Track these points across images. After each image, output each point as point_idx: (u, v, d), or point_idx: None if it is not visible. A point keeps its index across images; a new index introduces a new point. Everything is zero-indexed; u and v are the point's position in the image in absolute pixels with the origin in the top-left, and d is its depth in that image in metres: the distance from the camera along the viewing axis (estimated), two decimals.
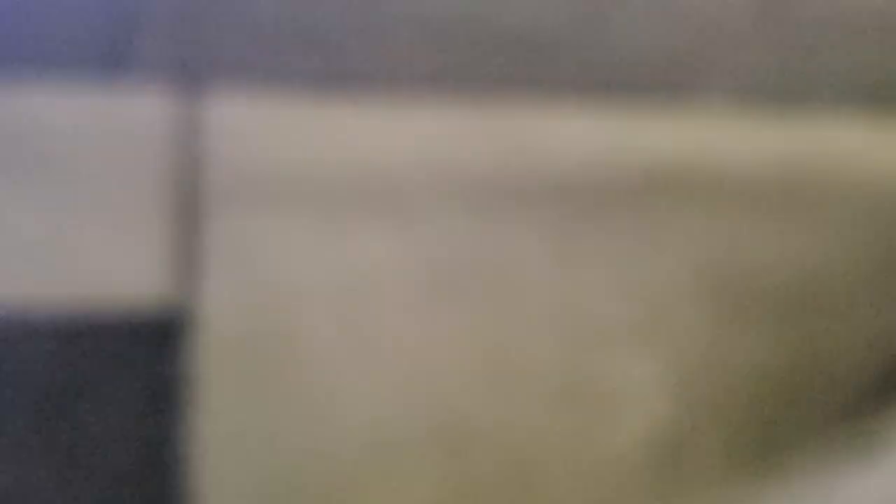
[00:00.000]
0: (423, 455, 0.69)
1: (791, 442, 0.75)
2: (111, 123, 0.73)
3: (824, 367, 0.77)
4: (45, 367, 0.62)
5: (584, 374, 0.73)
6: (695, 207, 0.81)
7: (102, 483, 0.62)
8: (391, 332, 0.70)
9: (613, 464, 0.74)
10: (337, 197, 0.72)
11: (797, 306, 0.79)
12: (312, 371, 0.68)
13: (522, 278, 0.74)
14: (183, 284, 0.66)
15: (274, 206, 0.71)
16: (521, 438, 0.72)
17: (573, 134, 0.80)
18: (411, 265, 0.71)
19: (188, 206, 0.70)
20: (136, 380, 0.63)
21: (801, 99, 0.85)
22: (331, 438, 0.68)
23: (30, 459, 0.61)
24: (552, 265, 0.75)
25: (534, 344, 0.73)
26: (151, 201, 0.69)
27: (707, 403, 0.75)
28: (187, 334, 0.64)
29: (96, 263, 0.67)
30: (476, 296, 0.73)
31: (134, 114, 0.74)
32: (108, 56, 0.77)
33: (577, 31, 0.81)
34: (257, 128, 0.74)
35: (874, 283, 0.80)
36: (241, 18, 0.78)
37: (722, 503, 0.73)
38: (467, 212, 0.73)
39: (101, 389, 0.63)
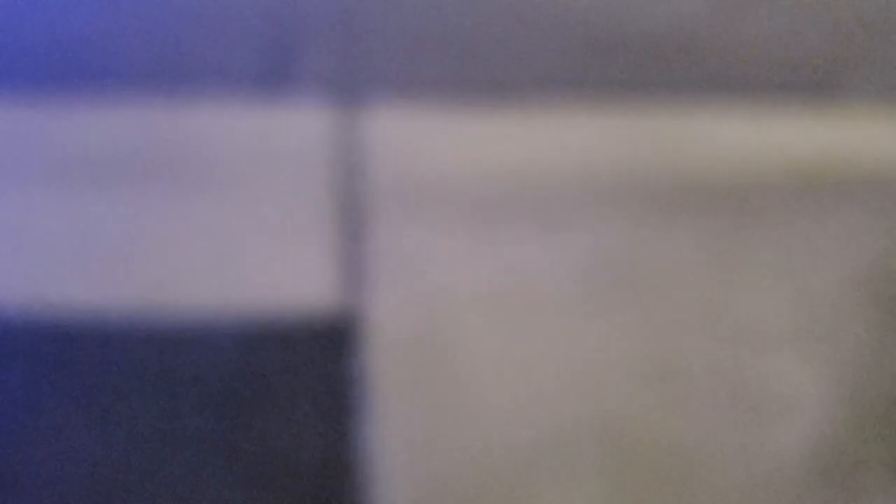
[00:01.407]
0: (585, 457, 0.69)
1: None
2: (276, 138, 0.76)
3: None
4: (225, 373, 0.65)
5: (745, 379, 0.71)
6: (853, 207, 0.79)
7: (281, 481, 0.64)
8: (549, 337, 0.70)
9: (776, 469, 0.72)
10: (493, 203, 0.74)
11: None
12: (474, 373, 0.69)
13: (678, 282, 0.73)
14: (351, 291, 0.69)
15: (433, 212, 0.72)
16: (681, 441, 0.71)
17: (724, 136, 0.79)
18: (566, 270, 0.72)
19: (352, 215, 0.73)
20: (310, 383, 0.65)
21: None
22: (493, 440, 0.69)
23: (212, 460, 0.64)
24: (708, 269, 0.74)
25: (692, 348, 0.72)
26: (318, 212, 0.72)
27: (874, 413, 0.73)
28: (357, 339, 0.66)
29: (269, 273, 0.70)
30: (632, 300, 0.73)
31: (297, 127, 0.77)
32: (270, 73, 0.81)
33: (719, 30, 0.80)
34: (415, 137, 0.76)
35: None
36: (397, 32, 0.80)
37: None
38: (620, 216, 0.73)
39: (277, 393, 0.65)
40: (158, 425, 0.63)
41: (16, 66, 0.82)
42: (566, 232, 0.74)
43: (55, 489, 0.59)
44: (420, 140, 0.75)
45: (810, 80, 0.86)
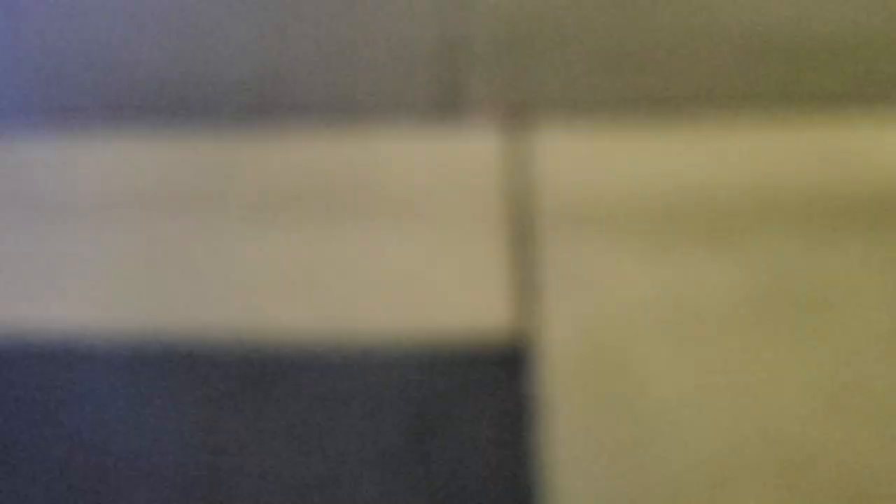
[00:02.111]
0: (763, 475, 0.69)
1: None
2: (448, 164, 0.78)
3: None
4: (409, 396, 0.68)
5: None
6: None
7: (465, 500, 0.67)
8: (723, 355, 0.70)
9: None
10: (665, 221, 0.74)
11: None
12: (647, 392, 0.70)
13: (853, 299, 0.72)
14: (524, 312, 0.70)
15: (605, 232, 0.73)
16: (860, 460, 0.70)
17: None
18: (738, 288, 0.71)
19: (524, 235, 0.74)
20: (489, 404, 0.67)
21: None
22: (670, 460, 0.70)
23: (398, 478, 0.67)
24: (884, 283, 0.72)
25: (870, 368, 0.71)
26: (489, 233, 0.74)
27: None
28: (532, 359, 0.68)
29: (445, 297, 0.72)
30: (808, 320, 0.72)
31: (469, 152, 0.79)
32: (441, 100, 0.83)
33: (892, 37, 0.77)
34: (586, 157, 0.76)
35: None
36: (563, 53, 0.80)
37: None
38: (793, 232, 0.72)
39: (459, 415, 0.67)
40: (351, 448, 0.66)
41: (200, 104, 0.87)
42: (738, 250, 0.74)
43: None
44: (590, 160, 0.76)
45: None
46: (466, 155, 0.81)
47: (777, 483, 0.69)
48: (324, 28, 0.97)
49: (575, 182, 0.76)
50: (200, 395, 0.69)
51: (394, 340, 0.70)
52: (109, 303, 0.75)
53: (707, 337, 0.71)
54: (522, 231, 0.75)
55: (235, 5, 0.92)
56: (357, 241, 0.75)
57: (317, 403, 0.67)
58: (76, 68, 0.92)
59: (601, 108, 0.79)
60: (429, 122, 0.86)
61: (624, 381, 0.70)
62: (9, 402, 0.69)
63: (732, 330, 0.71)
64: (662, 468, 0.69)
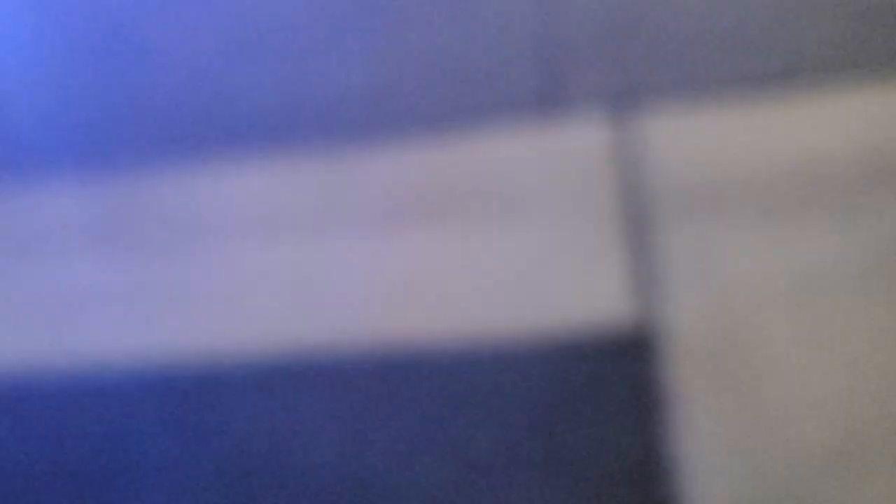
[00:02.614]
0: (888, 463, 0.66)
1: None
2: (556, 157, 0.79)
3: None
4: (536, 391, 0.68)
5: None
6: None
7: (602, 491, 0.66)
8: (848, 334, 0.67)
9: None
10: (782, 197, 0.71)
11: None
12: (775, 373, 0.68)
13: None
14: (646, 300, 0.69)
15: (721, 213, 0.71)
16: None
17: None
18: (864, 261, 0.68)
19: (639, 223, 0.74)
20: (617, 395, 0.66)
21: None
22: (801, 439, 0.67)
23: (528, 473, 0.67)
24: None
25: None
26: (604, 224, 0.73)
27: None
28: (657, 346, 0.67)
29: (564, 291, 0.72)
30: None
31: (576, 144, 0.79)
32: (544, 94, 0.83)
33: None
34: (695, 138, 0.75)
35: None
36: (665, 34, 0.80)
37: None
38: None
39: (588, 407, 0.67)
40: (483, 447, 0.67)
41: (318, 121, 0.91)
42: (863, 222, 0.71)
43: None
44: (700, 140, 0.74)
45: None
46: (575, 146, 0.81)
47: None
48: (425, 36, 1.00)
49: (687, 163, 0.75)
50: (340, 406, 0.71)
51: (520, 339, 0.71)
52: (250, 323, 0.79)
53: (833, 312, 0.69)
54: (637, 218, 0.74)
55: (338, 23, 0.96)
56: (474, 244, 0.76)
57: (449, 405, 0.68)
58: (186, 97, 0.98)
59: (710, 85, 0.77)
60: (535, 117, 0.86)
61: (749, 360, 0.68)
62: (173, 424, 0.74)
63: (859, 305, 0.68)
64: (789, 457, 0.67)
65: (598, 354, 0.68)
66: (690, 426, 0.66)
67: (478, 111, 0.84)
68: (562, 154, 0.80)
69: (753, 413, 0.68)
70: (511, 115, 0.83)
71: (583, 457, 0.65)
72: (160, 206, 0.88)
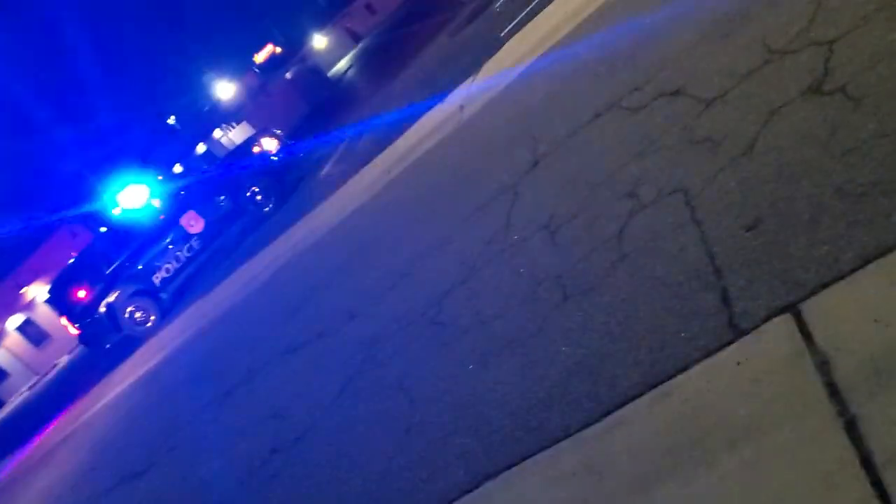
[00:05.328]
0: None
1: None
2: (752, 375, 0.86)
3: None
4: None
5: None
6: None
7: None
8: None
9: None
10: None
11: None
12: None
13: None
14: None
15: None
16: None
17: None
18: None
19: (850, 416, 0.78)
20: None
21: None
22: None
23: None
24: None
25: None
26: (820, 426, 0.79)
27: None
28: None
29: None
30: None
31: (763, 358, 0.85)
32: (720, 323, 0.91)
33: None
34: (864, 315, 0.80)
35: None
36: (798, 238, 0.86)
37: None
38: None
39: None
40: None
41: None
42: None
43: None
44: (869, 317, 0.79)
45: None
46: (765, 361, 0.87)
47: None
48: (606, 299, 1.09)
49: (866, 342, 0.80)
50: None
51: None
52: None
53: None
54: (845, 411, 0.79)
55: None
56: (721, 478, 0.84)
57: None
58: None
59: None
60: (720, 346, 0.94)
61: None
62: None
63: None
64: None
65: None
66: None
67: (672, 356, 0.91)
68: (755, 371, 0.86)
69: None
70: (701, 350, 0.91)
71: None
72: None
